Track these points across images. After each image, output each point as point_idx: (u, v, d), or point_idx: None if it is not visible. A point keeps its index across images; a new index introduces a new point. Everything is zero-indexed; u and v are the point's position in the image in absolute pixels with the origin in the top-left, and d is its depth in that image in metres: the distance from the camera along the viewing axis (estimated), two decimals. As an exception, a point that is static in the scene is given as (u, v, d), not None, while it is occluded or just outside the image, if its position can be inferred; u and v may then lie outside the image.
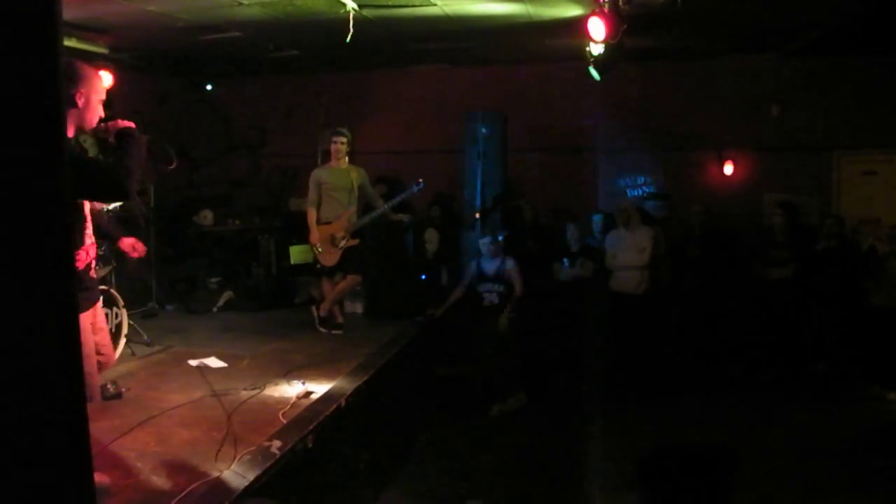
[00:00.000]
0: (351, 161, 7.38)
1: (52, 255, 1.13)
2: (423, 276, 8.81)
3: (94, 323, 3.53)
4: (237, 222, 9.77)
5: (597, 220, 8.73)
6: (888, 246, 7.72)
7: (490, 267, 7.34)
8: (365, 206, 7.49)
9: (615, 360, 7.00)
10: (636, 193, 10.01)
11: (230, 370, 5.91)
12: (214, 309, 8.55)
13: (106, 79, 8.30)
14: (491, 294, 7.27)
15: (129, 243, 4.59)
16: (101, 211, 5.28)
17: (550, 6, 6.78)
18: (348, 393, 5.12)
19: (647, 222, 7.95)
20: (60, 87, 1.12)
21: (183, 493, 3.54)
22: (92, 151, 9.07)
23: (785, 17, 7.43)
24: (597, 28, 5.73)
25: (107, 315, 5.93)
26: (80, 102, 3.22)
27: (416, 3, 6.63)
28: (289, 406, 4.88)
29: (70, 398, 1.23)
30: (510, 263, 7.33)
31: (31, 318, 1.13)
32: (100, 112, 3.32)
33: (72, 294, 1.24)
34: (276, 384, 5.44)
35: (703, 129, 9.96)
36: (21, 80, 1.05)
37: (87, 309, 3.34)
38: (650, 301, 7.48)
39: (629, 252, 7.58)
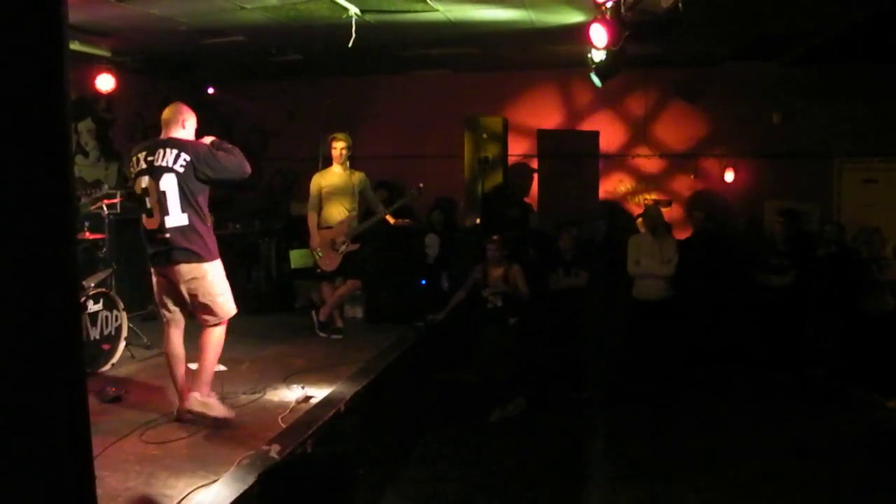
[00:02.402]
0: (352, 166, 7.39)
1: (57, 253, 1.13)
2: (423, 282, 8.81)
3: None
4: (238, 226, 9.77)
5: (599, 226, 8.73)
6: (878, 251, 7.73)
7: (495, 272, 7.34)
8: (366, 211, 7.49)
9: (622, 366, 7.00)
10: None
11: (230, 374, 5.89)
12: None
13: (108, 82, 8.34)
14: (495, 297, 7.25)
15: None
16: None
17: (552, 12, 6.80)
18: (348, 397, 5.11)
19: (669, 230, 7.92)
20: (66, 90, 1.12)
21: (182, 497, 3.54)
22: (91, 144, 9.13)
23: (786, 26, 7.45)
24: (599, 35, 5.74)
25: (106, 318, 5.94)
26: (193, 131, 4.74)
27: (419, 9, 6.64)
28: (288, 410, 4.88)
29: (71, 401, 1.23)
30: (515, 268, 7.33)
31: (34, 319, 1.13)
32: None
33: (75, 293, 1.23)
34: (276, 388, 5.44)
35: (704, 136, 9.98)
36: (28, 83, 1.05)
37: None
38: (674, 308, 7.46)
39: (654, 261, 7.51)
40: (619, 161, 10.30)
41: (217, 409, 4.62)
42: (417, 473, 5.77)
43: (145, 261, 4.75)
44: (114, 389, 5.11)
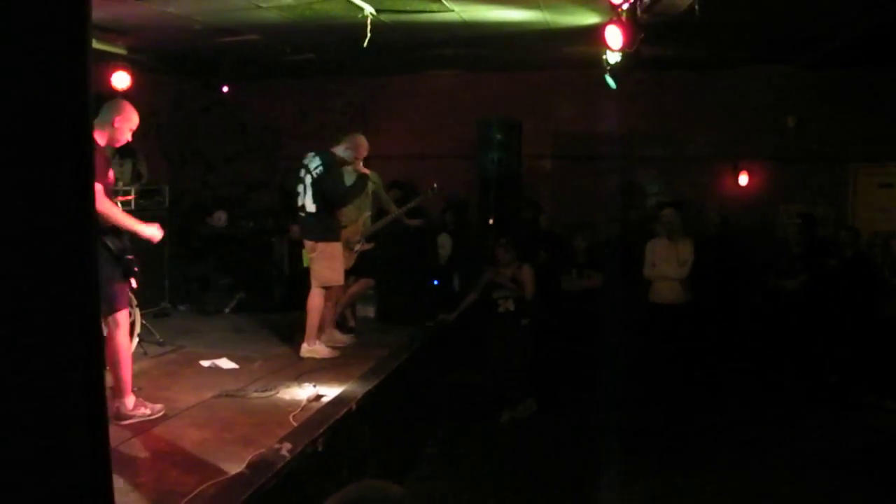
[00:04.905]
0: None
1: (78, 251, 1.14)
2: (436, 282, 8.79)
3: None
4: (251, 224, 9.78)
5: (611, 228, 8.70)
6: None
7: (506, 273, 7.33)
8: (379, 211, 7.49)
9: (635, 368, 6.97)
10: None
11: (242, 371, 5.93)
12: (227, 310, 8.56)
13: (124, 80, 8.38)
14: (507, 301, 7.24)
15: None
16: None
17: (568, 13, 6.78)
18: (359, 397, 5.12)
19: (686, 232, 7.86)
20: (89, 89, 1.13)
21: (192, 494, 3.55)
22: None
23: (802, 29, 7.41)
24: (614, 36, 5.73)
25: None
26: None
27: (434, 9, 6.64)
28: (299, 409, 4.89)
29: (90, 397, 1.23)
30: (526, 270, 7.31)
31: (54, 320, 1.14)
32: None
33: (96, 290, 1.24)
34: (288, 386, 5.44)
35: (718, 139, 9.93)
36: (52, 82, 1.06)
37: None
38: (691, 311, 7.42)
39: (670, 264, 7.48)
40: (633, 163, 10.26)
41: (322, 352, 6.26)
42: (427, 473, 5.78)
43: (160, 258, 5.16)
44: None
